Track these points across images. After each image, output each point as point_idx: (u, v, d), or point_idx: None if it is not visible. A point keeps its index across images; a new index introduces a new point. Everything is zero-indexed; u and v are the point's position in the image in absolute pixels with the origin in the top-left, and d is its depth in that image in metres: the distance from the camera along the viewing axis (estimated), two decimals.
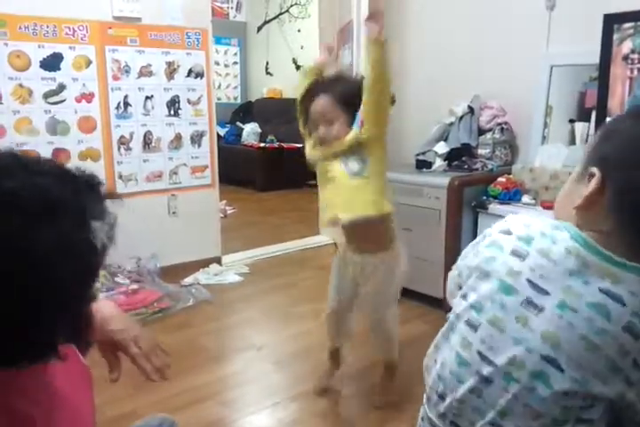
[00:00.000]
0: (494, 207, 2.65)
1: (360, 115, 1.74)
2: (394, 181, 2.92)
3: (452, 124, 3.09)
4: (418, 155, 3.06)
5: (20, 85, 2.80)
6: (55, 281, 0.58)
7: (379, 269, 1.85)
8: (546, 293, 0.79)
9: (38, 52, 2.82)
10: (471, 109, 3.04)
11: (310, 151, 1.85)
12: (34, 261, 0.56)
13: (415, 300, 2.90)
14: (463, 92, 3.12)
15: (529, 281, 0.80)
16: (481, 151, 2.98)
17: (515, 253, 0.83)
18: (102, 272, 2.89)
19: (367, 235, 1.80)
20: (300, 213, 5.07)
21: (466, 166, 2.93)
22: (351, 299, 1.99)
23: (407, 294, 2.93)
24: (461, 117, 3.05)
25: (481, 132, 3.01)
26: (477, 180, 2.80)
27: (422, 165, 2.99)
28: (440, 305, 2.78)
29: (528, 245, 0.82)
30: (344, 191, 1.77)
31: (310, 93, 1.80)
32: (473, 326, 0.85)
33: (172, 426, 1.23)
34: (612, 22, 2.33)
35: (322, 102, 1.75)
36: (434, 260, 2.78)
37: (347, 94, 1.74)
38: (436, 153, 3.01)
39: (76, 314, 0.64)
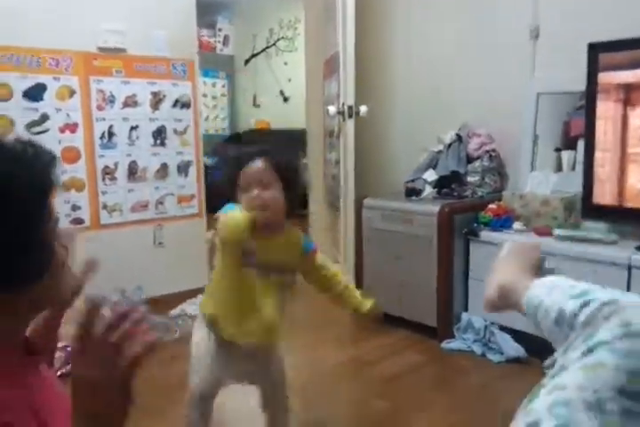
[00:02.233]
0: (486, 234, 2.62)
1: (314, 246, 1.66)
2: (384, 208, 2.91)
3: (440, 152, 3.08)
4: (407, 182, 3.04)
5: (3, 115, 2.76)
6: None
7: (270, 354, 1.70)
8: None
9: (21, 82, 2.80)
10: (459, 137, 3.04)
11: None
12: None
13: (406, 329, 2.83)
14: (451, 120, 3.12)
15: None
16: (470, 179, 2.96)
17: None
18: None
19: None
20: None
21: (455, 194, 2.91)
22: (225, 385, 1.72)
23: (398, 322, 2.87)
24: (450, 145, 3.05)
25: (469, 159, 3.00)
26: (468, 207, 2.77)
27: (412, 192, 2.97)
28: (433, 334, 2.72)
29: None
30: (267, 311, 1.59)
31: (232, 171, 1.63)
32: None
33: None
34: (596, 51, 2.35)
35: (258, 165, 1.57)
36: (426, 287, 2.73)
37: (283, 165, 1.61)
38: (425, 181, 3.00)
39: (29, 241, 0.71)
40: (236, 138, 7.40)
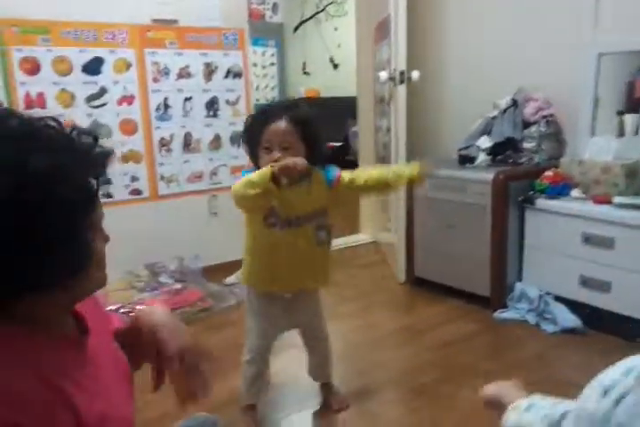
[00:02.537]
0: (542, 202, 2.56)
1: (336, 173, 1.66)
2: (436, 176, 2.86)
3: (495, 117, 3.00)
4: (460, 150, 2.98)
5: (64, 90, 2.86)
6: (51, 203, 0.66)
7: (311, 298, 1.84)
8: None
9: (80, 56, 2.88)
10: (515, 102, 2.95)
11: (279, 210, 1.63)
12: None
13: (460, 298, 2.83)
14: (506, 84, 3.02)
15: None
16: (526, 145, 2.88)
17: None
18: (146, 271, 2.92)
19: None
20: (339, 211, 5.03)
21: (511, 160, 2.84)
22: (275, 338, 1.87)
23: (450, 292, 2.88)
24: (505, 111, 2.96)
25: (526, 125, 2.91)
26: (523, 174, 2.71)
27: (465, 160, 2.92)
28: (486, 304, 2.71)
29: None
30: (308, 262, 1.69)
31: (254, 123, 1.65)
32: None
33: (214, 424, 1.21)
34: None
35: (282, 125, 1.57)
36: (479, 257, 2.71)
37: (306, 125, 1.60)
38: (479, 148, 2.94)
39: (70, 241, 0.70)
40: None
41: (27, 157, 0.66)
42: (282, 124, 1.57)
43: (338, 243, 3.95)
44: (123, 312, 2.59)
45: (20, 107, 2.75)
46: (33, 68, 2.76)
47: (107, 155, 0.77)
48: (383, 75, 3.10)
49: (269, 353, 1.85)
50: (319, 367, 1.95)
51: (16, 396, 0.66)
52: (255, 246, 1.71)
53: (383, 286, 3.15)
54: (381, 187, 1.72)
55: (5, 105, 2.69)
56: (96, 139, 0.76)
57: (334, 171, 1.66)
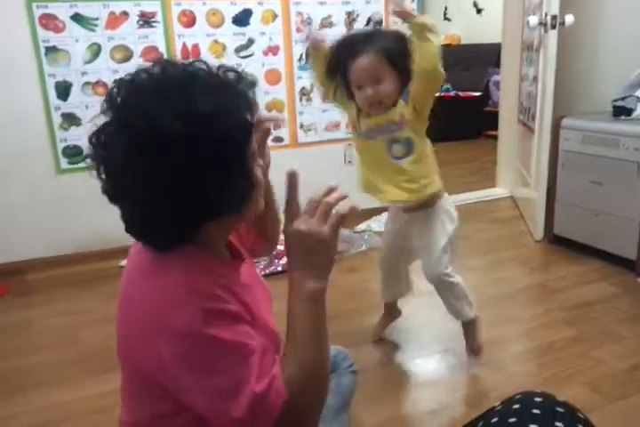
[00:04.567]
0: None
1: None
2: (585, 129, 2.70)
3: None
4: (616, 100, 2.75)
5: (216, 41, 3.02)
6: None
7: (426, 221, 1.80)
8: None
9: (231, 8, 3.01)
10: None
11: (356, 123, 1.74)
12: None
13: (601, 259, 2.70)
14: None
15: None
16: None
17: None
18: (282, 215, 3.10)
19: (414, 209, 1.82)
20: (475, 165, 4.90)
21: None
22: (402, 251, 1.95)
23: (591, 252, 2.75)
24: None
25: None
26: None
27: (621, 111, 2.70)
28: (631, 267, 2.56)
29: None
30: (388, 177, 1.72)
31: (339, 57, 1.62)
32: None
33: (345, 358, 1.32)
34: None
35: (366, 60, 1.56)
36: (627, 217, 2.54)
37: (392, 50, 1.57)
38: (637, 98, 2.69)
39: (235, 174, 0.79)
40: None
41: (193, 102, 0.74)
42: (367, 59, 1.56)
43: (471, 197, 3.88)
44: None
45: (178, 58, 2.96)
46: (189, 20, 2.94)
47: (252, 85, 0.82)
48: (533, 19, 2.91)
49: (395, 267, 2.03)
50: (445, 304, 1.91)
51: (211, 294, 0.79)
52: (356, 154, 1.84)
53: (518, 243, 3.07)
54: (422, 65, 1.55)
55: (165, 56, 2.92)
56: (238, 73, 0.82)
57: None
